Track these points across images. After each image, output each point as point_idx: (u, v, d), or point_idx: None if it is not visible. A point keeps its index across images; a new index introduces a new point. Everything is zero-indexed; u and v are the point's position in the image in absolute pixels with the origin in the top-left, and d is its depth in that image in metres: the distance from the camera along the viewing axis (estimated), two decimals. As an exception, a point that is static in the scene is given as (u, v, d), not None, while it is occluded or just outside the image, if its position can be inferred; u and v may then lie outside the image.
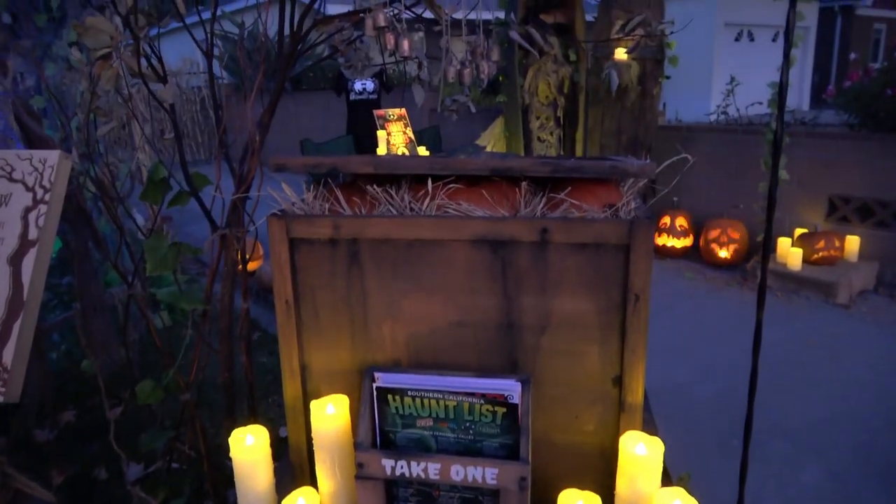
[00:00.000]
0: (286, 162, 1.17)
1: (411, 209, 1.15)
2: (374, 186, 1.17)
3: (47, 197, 1.46)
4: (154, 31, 1.87)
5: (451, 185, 1.13)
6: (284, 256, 1.17)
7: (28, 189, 1.47)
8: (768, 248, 2.22)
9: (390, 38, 1.63)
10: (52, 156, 1.49)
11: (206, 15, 1.87)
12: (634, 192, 1.20)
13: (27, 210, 1.46)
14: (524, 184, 1.16)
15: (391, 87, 7.33)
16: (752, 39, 14.74)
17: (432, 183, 1.16)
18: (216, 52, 1.96)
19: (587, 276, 1.09)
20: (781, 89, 2.18)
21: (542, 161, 1.10)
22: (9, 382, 1.37)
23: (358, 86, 7.13)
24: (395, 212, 1.15)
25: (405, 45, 1.70)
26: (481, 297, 1.14)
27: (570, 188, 1.13)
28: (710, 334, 4.21)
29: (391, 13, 1.75)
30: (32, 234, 1.44)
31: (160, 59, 1.83)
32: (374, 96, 7.27)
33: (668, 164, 1.47)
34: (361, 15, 1.69)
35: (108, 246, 2.83)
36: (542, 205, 1.14)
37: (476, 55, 1.71)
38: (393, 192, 1.18)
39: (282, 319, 1.21)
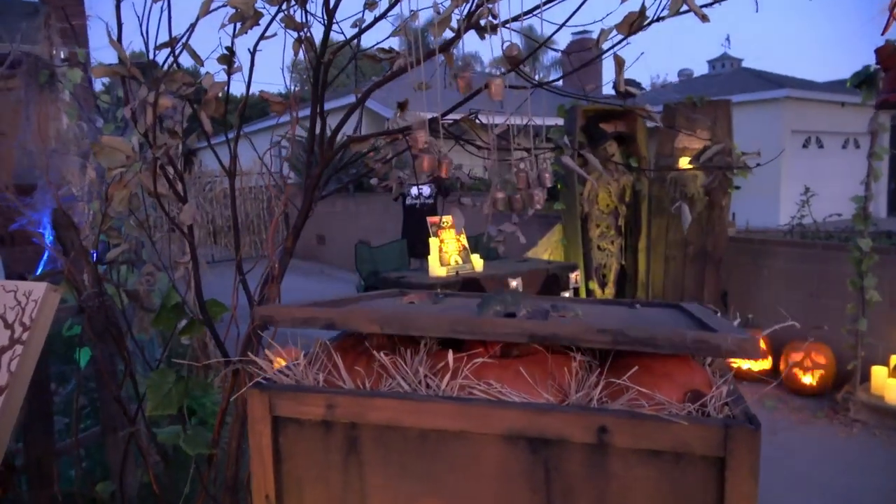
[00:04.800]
0: (274, 314, 0.95)
1: (427, 385, 0.89)
2: (382, 353, 0.93)
3: (25, 336, 1.28)
4: (178, 147, 1.76)
5: (478, 360, 0.87)
6: (266, 440, 0.92)
7: (6, 326, 1.29)
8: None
9: (426, 161, 1.44)
10: (39, 289, 1.32)
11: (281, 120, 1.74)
12: (729, 376, 0.90)
13: (1, 351, 1.27)
14: (576, 360, 0.89)
15: (448, 193, 7.28)
16: (821, 146, 14.32)
17: (455, 347, 0.90)
18: (285, 153, 1.88)
19: (664, 496, 0.79)
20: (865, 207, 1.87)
21: (599, 329, 0.84)
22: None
23: (414, 190, 7.11)
24: (406, 387, 0.89)
25: (444, 166, 1.50)
26: (516, 511, 0.84)
27: (636, 367, 0.85)
28: (799, 481, 3.65)
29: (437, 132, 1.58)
30: (2, 379, 1.25)
31: (181, 179, 1.70)
32: (430, 201, 7.22)
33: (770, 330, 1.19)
34: (404, 136, 1.52)
35: (132, 365, 2.66)
36: (599, 387, 0.86)
37: (529, 181, 1.49)
38: (405, 361, 0.92)
39: (259, 520, 0.94)
